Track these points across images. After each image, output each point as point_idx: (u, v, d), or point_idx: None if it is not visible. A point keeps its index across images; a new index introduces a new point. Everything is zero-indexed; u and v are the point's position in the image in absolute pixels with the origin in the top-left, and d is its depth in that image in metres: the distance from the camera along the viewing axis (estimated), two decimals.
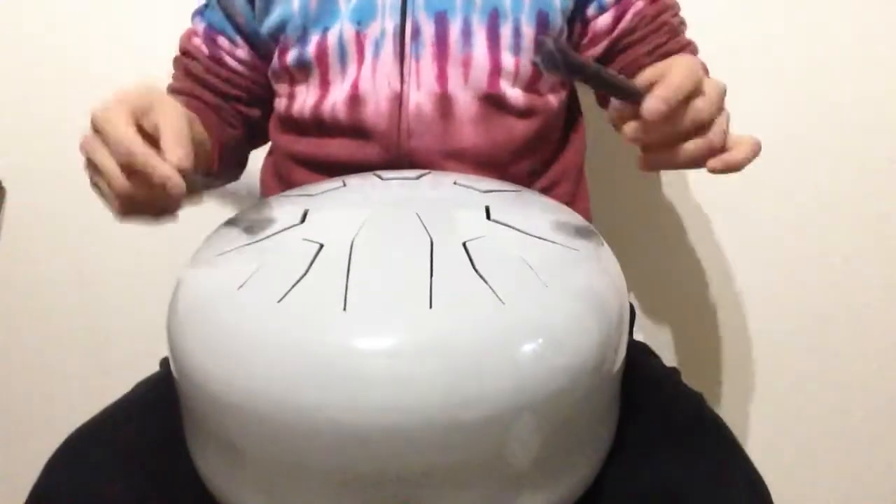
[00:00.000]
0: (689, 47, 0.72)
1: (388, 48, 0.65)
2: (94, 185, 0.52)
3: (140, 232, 1.07)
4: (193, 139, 0.51)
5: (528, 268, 0.44)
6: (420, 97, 0.66)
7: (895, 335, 1.00)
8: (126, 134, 0.47)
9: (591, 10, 0.70)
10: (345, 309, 0.41)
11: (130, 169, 0.47)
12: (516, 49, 0.66)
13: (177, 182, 0.46)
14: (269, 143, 0.79)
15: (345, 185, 0.59)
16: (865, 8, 0.89)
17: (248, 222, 0.53)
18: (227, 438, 0.43)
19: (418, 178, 0.60)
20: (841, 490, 1.07)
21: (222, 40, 0.73)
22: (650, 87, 0.47)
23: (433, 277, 0.43)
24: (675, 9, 0.72)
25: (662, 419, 0.56)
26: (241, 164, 0.80)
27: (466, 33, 0.66)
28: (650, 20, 0.70)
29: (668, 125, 0.48)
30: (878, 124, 0.93)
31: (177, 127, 0.49)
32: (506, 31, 0.66)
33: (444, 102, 0.66)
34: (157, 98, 0.51)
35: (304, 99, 0.69)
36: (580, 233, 0.52)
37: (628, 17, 0.69)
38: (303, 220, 0.51)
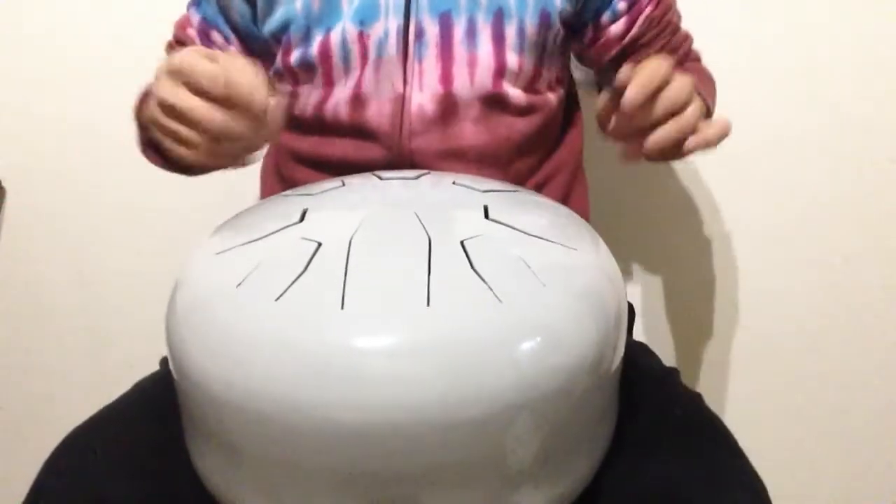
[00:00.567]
0: (687, 41, 0.76)
1: (392, 49, 0.65)
2: (169, 136, 0.51)
3: (140, 232, 1.08)
4: None
5: (526, 267, 0.45)
6: (422, 98, 0.66)
7: (895, 335, 1.00)
8: (215, 67, 0.47)
9: (605, 18, 0.71)
10: (342, 307, 0.41)
11: (224, 100, 0.47)
12: (520, 49, 0.66)
13: (277, 106, 0.48)
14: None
15: (344, 184, 0.59)
16: (865, 8, 0.89)
17: (246, 222, 0.53)
18: (226, 437, 0.43)
19: (417, 177, 0.60)
20: (841, 490, 1.07)
21: (216, 35, 0.72)
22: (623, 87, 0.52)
23: (431, 276, 0.43)
24: (674, 6, 0.74)
25: (661, 419, 0.56)
26: None
27: (471, 33, 0.66)
28: (657, 22, 0.72)
29: (644, 113, 0.53)
30: (878, 124, 0.93)
31: (243, 60, 0.49)
32: (511, 31, 0.66)
33: (447, 103, 0.66)
34: (224, 52, 0.52)
35: (307, 98, 0.69)
36: (579, 232, 0.52)
37: (639, 22, 0.71)
38: (301, 219, 0.51)
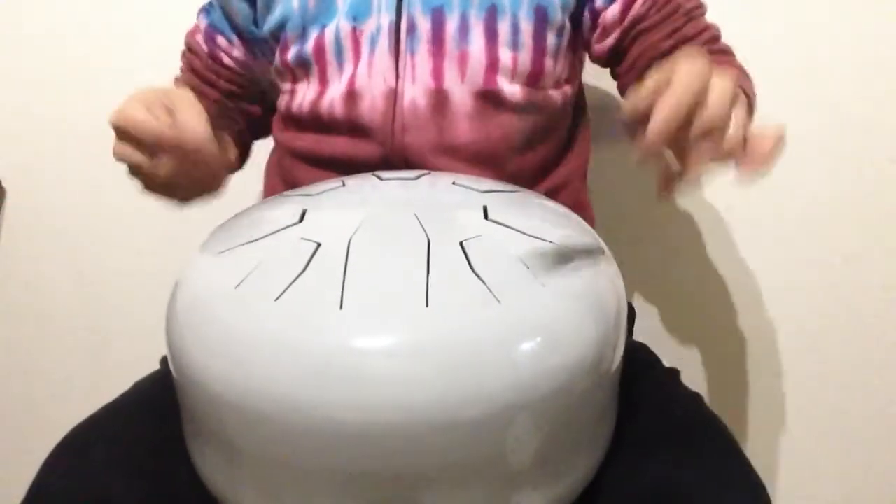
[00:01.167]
0: (708, 31, 0.69)
1: (384, 44, 0.66)
2: (147, 188, 0.56)
3: (140, 232, 1.08)
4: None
5: (525, 267, 0.45)
6: (415, 93, 0.66)
7: (895, 335, 1.00)
8: (146, 118, 0.50)
9: (599, 2, 0.68)
10: (342, 307, 0.41)
11: (162, 149, 0.51)
12: (514, 45, 0.66)
13: (202, 133, 0.50)
14: (273, 142, 0.80)
15: (344, 185, 0.59)
16: (865, 8, 0.89)
17: (246, 222, 0.53)
18: (226, 437, 0.43)
19: (417, 178, 0.60)
20: (841, 490, 1.07)
21: (221, 40, 0.74)
22: (650, 106, 0.42)
23: (430, 276, 0.43)
24: None
25: (661, 419, 0.55)
26: (246, 153, 0.81)
27: (463, 29, 0.66)
28: (662, 5, 0.68)
29: (676, 141, 0.43)
30: (878, 124, 0.93)
31: (189, 99, 0.53)
32: (504, 27, 0.66)
33: (440, 98, 0.66)
34: (167, 89, 0.54)
35: (304, 95, 0.69)
36: (578, 232, 0.52)
37: (638, 3, 0.67)
38: (301, 220, 0.51)
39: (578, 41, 0.72)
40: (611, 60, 0.72)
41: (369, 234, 0.48)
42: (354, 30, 0.66)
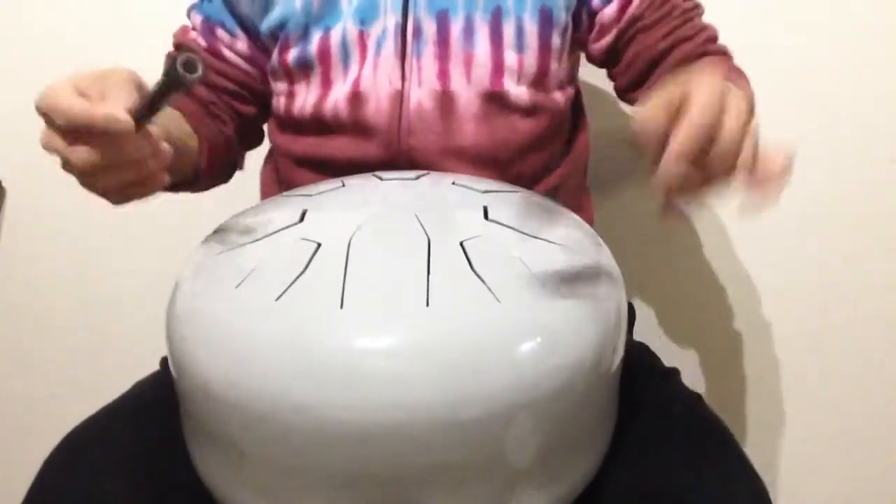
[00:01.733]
0: (705, 32, 0.68)
1: (390, 46, 0.65)
2: (81, 181, 0.50)
3: (140, 232, 1.08)
4: (176, 136, 0.50)
5: (525, 267, 0.44)
6: (421, 95, 0.66)
7: (895, 335, 1.00)
8: (66, 100, 0.45)
9: (596, 2, 0.68)
10: (342, 308, 0.41)
11: (78, 132, 0.45)
12: (519, 47, 0.66)
13: (120, 117, 0.44)
14: (267, 148, 0.79)
15: (344, 185, 0.59)
16: (865, 8, 0.89)
17: (246, 222, 0.53)
18: (225, 437, 0.43)
19: (417, 178, 0.60)
20: (841, 490, 1.07)
21: (221, 32, 0.72)
22: (662, 125, 0.41)
23: (430, 276, 0.43)
24: None
25: (661, 419, 0.56)
26: (233, 164, 0.77)
27: (468, 31, 0.65)
28: (660, 5, 0.68)
29: (688, 175, 0.41)
30: (878, 124, 0.93)
31: (124, 81, 0.47)
32: (508, 29, 0.66)
33: (446, 100, 0.66)
34: (106, 70, 0.49)
35: (305, 97, 0.69)
36: (578, 232, 0.52)
37: (635, 2, 0.67)
38: (301, 220, 0.51)
39: (576, 41, 0.72)
40: (607, 60, 0.72)
41: (370, 235, 0.48)
42: (362, 32, 0.66)
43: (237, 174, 0.79)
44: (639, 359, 0.63)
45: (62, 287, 1.10)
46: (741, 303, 1.01)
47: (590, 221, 0.74)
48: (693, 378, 1.05)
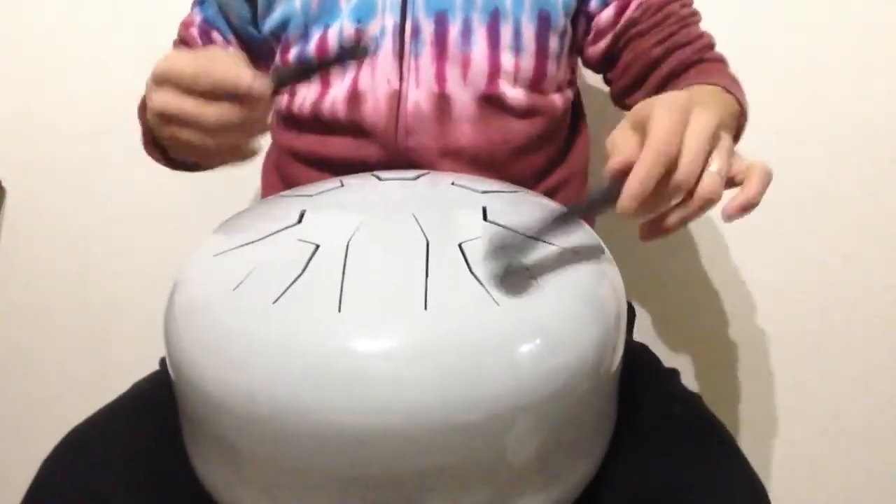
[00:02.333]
0: (701, 40, 0.68)
1: (388, 46, 0.66)
2: (177, 139, 0.51)
3: (140, 232, 1.08)
4: None
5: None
6: (418, 95, 0.66)
7: (895, 335, 1.00)
8: (196, 63, 0.48)
9: (593, 5, 0.69)
10: (340, 310, 0.41)
11: (211, 93, 0.48)
12: (516, 49, 0.66)
13: (263, 81, 0.48)
14: (269, 143, 0.79)
15: (343, 185, 0.59)
16: (865, 8, 0.89)
17: (244, 223, 0.53)
18: (224, 439, 0.43)
19: (416, 178, 0.60)
20: (841, 490, 1.07)
21: (216, 35, 0.74)
22: (624, 169, 0.43)
23: (428, 278, 0.43)
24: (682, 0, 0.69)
25: (661, 419, 0.56)
26: None
27: (466, 33, 0.66)
28: (655, 11, 0.68)
29: (652, 203, 0.44)
30: (878, 124, 0.93)
31: (232, 54, 0.50)
32: (506, 32, 0.66)
33: (443, 101, 0.66)
34: (200, 51, 0.53)
35: (305, 96, 0.69)
36: (577, 233, 0.52)
37: (632, 7, 0.68)
38: (299, 221, 0.50)
39: (573, 45, 0.72)
40: (603, 65, 0.73)
41: (368, 236, 0.48)
42: (358, 31, 0.66)
43: (238, 174, 0.79)
44: (639, 359, 0.63)
45: (62, 287, 1.10)
46: (741, 303, 1.01)
47: (590, 221, 0.74)
48: (693, 378, 1.05)
